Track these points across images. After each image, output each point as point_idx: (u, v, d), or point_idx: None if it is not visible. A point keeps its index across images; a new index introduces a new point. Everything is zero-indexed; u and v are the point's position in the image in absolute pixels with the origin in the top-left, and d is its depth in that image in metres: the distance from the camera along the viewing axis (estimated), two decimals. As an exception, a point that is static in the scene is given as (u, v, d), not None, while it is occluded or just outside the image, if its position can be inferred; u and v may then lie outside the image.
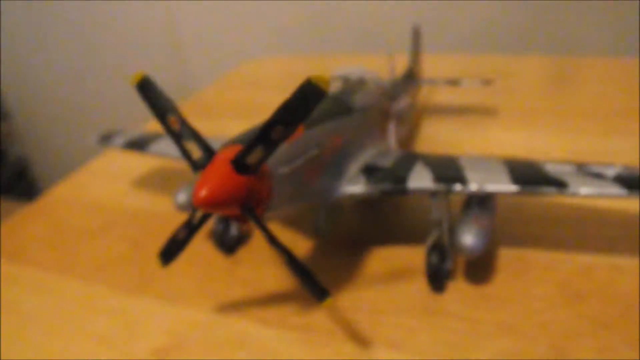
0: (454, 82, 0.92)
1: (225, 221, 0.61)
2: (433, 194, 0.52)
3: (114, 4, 1.72)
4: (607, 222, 0.59)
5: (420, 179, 0.51)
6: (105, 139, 0.74)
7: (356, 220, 0.66)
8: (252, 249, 0.63)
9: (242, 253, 0.62)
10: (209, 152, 0.40)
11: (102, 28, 1.79)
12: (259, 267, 0.58)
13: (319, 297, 0.40)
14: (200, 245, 0.63)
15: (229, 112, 1.11)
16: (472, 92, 0.99)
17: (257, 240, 0.64)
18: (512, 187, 0.49)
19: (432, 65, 1.02)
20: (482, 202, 0.53)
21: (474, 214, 0.51)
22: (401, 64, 0.88)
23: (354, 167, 0.54)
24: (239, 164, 0.37)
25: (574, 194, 0.47)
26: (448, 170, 0.52)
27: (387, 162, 0.55)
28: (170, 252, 0.47)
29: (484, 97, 0.99)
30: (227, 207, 0.37)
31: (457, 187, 0.50)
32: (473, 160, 0.55)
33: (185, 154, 0.41)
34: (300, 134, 0.46)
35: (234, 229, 0.62)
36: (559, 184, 0.47)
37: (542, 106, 0.94)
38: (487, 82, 0.90)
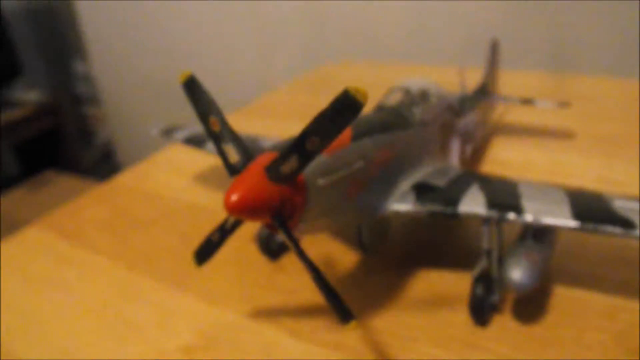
0: (528, 102, 0.87)
1: None
2: (485, 220, 0.49)
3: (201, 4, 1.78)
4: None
5: (473, 203, 0.48)
6: (167, 133, 0.76)
7: (405, 238, 0.63)
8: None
9: (286, 260, 0.61)
10: (246, 157, 0.40)
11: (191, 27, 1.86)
12: (300, 276, 0.57)
13: (343, 319, 0.38)
14: (245, 248, 0.63)
15: (295, 113, 1.10)
16: (550, 113, 0.95)
17: (306, 249, 0.62)
18: (571, 223, 0.45)
19: (510, 82, 0.97)
20: (538, 234, 0.50)
21: (527, 247, 0.48)
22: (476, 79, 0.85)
23: (406, 183, 0.52)
24: (273, 172, 0.37)
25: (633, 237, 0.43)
26: (504, 197, 0.49)
27: (442, 181, 0.52)
28: (204, 252, 0.47)
29: (562, 119, 0.93)
30: (257, 215, 0.36)
31: (511, 215, 0.46)
32: (534, 188, 0.51)
33: (223, 157, 0.40)
34: (345, 146, 0.44)
35: (278, 236, 0.61)
36: (626, 224, 0.43)
37: (624, 133, 0.87)
38: (564, 105, 0.85)
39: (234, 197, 0.35)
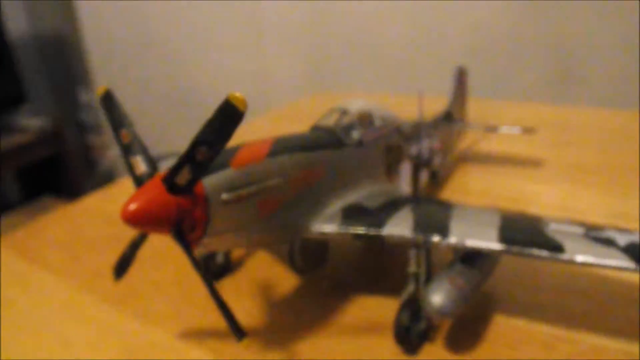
0: (492, 129, 0.87)
1: None
2: (414, 244, 0.47)
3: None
4: (634, 300, 0.51)
5: (398, 226, 0.47)
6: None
7: (345, 260, 0.62)
8: (238, 278, 0.61)
9: (227, 280, 0.61)
10: (151, 169, 0.40)
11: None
12: (239, 298, 0.57)
13: (236, 335, 0.38)
14: (190, 269, 0.62)
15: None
16: (523, 141, 0.95)
17: (246, 270, 0.62)
18: (496, 245, 0.44)
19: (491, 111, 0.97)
20: (468, 259, 0.48)
21: (453, 272, 0.46)
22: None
23: (337, 204, 0.51)
24: (169, 184, 0.37)
25: (569, 261, 0.42)
26: (433, 219, 0.48)
27: (374, 203, 0.52)
28: (121, 266, 0.47)
29: (532, 147, 0.93)
30: (155, 226, 0.36)
31: (435, 238, 0.45)
32: (467, 211, 0.50)
33: (129, 168, 0.40)
34: (259, 161, 0.44)
35: (220, 256, 0.61)
36: (554, 248, 0.42)
37: (593, 161, 0.87)
38: (528, 131, 0.85)
39: (130, 207, 0.36)
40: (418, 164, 0.68)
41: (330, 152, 0.52)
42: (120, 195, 0.88)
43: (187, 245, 0.38)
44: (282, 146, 0.47)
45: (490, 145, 0.98)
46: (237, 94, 0.34)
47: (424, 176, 0.71)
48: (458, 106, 0.88)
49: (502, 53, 1.28)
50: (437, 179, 0.80)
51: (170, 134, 1.95)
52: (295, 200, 0.47)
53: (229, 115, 0.34)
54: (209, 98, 1.85)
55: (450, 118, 0.84)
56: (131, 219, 0.36)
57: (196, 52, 1.88)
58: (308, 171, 0.48)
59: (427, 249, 0.48)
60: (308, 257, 0.54)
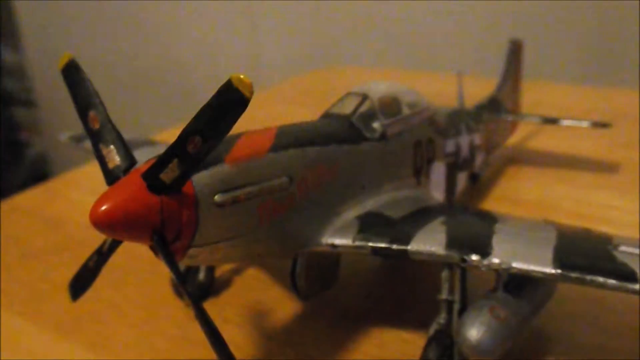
0: (552, 121, 0.90)
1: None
2: (445, 263, 0.50)
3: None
4: None
5: (428, 241, 0.49)
6: (77, 139, 0.79)
7: (359, 283, 0.64)
8: (224, 301, 0.63)
9: (210, 305, 0.63)
10: (128, 162, 0.42)
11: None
12: (224, 326, 0.56)
13: None
14: (159, 288, 0.66)
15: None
16: (587, 139, 0.97)
17: (234, 292, 0.65)
18: (550, 269, 0.45)
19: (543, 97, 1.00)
20: (514, 285, 0.50)
21: (495, 300, 0.48)
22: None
23: (353, 211, 0.54)
24: (151, 181, 0.38)
25: (628, 291, 0.43)
26: (471, 235, 0.50)
27: (398, 211, 0.54)
28: (80, 284, 0.48)
29: (605, 146, 0.95)
30: (132, 231, 0.38)
31: (473, 257, 0.47)
32: (515, 226, 0.52)
33: (100, 160, 0.42)
34: (260, 156, 0.46)
35: (201, 273, 0.64)
36: (625, 275, 0.43)
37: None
38: (601, 125, 0.86)
39: (101, 209, 0.37)
40: (455, 165, 0.70)
41: (347, 147, 0.54)
42: (64, 192, 0.91)
43: (170, 256, 0.40)
44: (288, 138, 0.49)
45: (548, 142, 1.00)
46: (242, 76, 0.35)
47: (462, 180, 0.74)
48: (509, 91, 0.90)
49: (542, 25, 1.31)
50: (479, 184, 0.81)
51: (142, 116, 1.97)
52: (302, 204, 0.49)
53: (230, 102, 0.36)
54: (193, 74, 1.88)
55: (498, 106, 0.86)
56: (103, 221, 0.37)
57: (175, 19, 1.91)
58: (318, 170, 0.50)
59: (463, 270, 0.50)
60: (314, 276, 0.54)
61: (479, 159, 0.79)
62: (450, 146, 0.70)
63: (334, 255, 0.57)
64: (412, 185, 0.63)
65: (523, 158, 0.96)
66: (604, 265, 0.45)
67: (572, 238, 0.50)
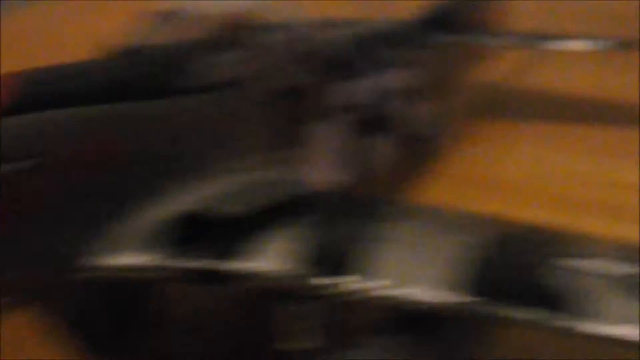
0: (552, 40, 0.74)
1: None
2: (298, 289, 0.41)
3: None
4: None
5: (276, 254, 0.39)
6: None
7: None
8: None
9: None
10: None
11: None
12: None
13: None
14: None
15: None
16: (604, 73, 0.83)
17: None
18: (449, 295, 0.36)
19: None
20: (421, 325, 0.41)
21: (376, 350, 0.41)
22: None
23: (160, 209, 0.43)
24: None
25: (568, 329, 0.34)
26: (349, 241, 0.40)
27: (239, 206, 0.43)
28: None
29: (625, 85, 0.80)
30: None
31: (332, 278, 0.38)
32: (428, 225, 0.43)
33: None
34: None
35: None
36: (552, 304, 0.35)
37: None
38: (622, 46, 0.73)
39: None
40: (365, 124, 0.57)
41: (148, 104, 0.44)
42: None
43: None
44: (39, 93, 0.40)
45: (547, 78, 0.85)
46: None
47: (385, 149, 0.60)
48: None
49: None
50: (432, 153, 0.68)
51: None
52: (65, 201, 0.40)
53: None
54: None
55: (458, 19, 0.73)
56: None
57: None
58: (94, 144, 0.41)
59: (329, 300, 0.41)
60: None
61: (420, 112, 0.64)
62: (349, 94, 0.56)
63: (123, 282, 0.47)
64: (274, 162, 0.51)
65: (507, 107, 0.81)
66: (532, 286, 0.37)
67: (511, 242, 0.42)
